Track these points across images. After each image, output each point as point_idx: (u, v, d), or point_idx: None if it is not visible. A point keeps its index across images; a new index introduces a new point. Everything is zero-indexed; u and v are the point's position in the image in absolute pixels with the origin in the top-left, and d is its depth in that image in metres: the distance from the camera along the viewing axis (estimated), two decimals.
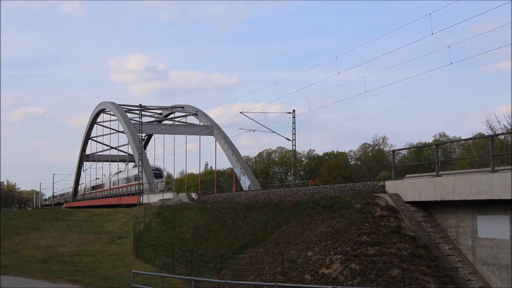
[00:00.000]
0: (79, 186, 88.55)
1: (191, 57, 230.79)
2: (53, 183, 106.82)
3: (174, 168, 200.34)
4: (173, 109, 65.45)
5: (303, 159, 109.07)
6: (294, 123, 47.55)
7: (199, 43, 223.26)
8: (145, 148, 65.61)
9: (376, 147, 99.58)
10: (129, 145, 59.15)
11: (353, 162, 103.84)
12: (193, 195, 38.25)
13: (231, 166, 57.76)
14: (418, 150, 77.95)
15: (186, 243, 25.98)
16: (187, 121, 63.23)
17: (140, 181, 50.73)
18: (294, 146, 48.23)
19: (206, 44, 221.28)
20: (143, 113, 57.23)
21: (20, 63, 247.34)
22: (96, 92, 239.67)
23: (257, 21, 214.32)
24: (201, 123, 60.52)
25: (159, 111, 66.77)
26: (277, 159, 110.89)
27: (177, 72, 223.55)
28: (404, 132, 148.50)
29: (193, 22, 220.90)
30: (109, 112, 65.04)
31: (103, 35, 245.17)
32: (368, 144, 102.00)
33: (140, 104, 55.84)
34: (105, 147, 72.96)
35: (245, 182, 52.25)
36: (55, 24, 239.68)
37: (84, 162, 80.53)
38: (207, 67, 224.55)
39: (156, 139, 70.71)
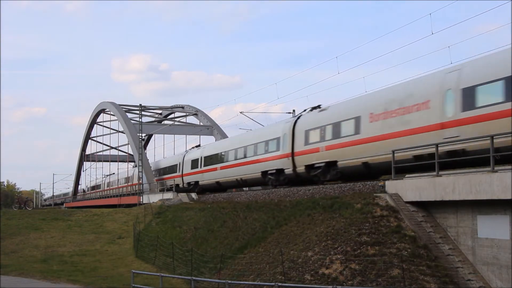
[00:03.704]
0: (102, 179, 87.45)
1: (193, 57, 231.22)
2: (53, 183, 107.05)
3: None
4: (173, 109, 65.45)
5: None
6: None
7: (202, 43, 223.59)
8: (145, 148, 65.54)
9: None
10: (129, 145, 59.15)
11: None
12: (193, 195, 38.21)
13: None
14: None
15: (186, 243, 25.98)
16: (187, 121, 63.28)
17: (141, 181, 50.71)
18: None
19: (208, 44, 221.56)
20: (143, 113, 57.21)
21: (23, 63, 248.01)
22: (98, 92, 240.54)
23: (258, 22, 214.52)
24: (201, 123, 60.51)
25: (159, 111, 66.78)
26: None
27: (179, 72, 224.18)
28: None
29: (195, 23, 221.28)
30: (109, 112, 65.01)
31: (106, 35, 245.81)
32: None
33: (140, 104, 55.83)
34: (105, 147, 72.95)
35: None
36: (58, 24, 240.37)
37: (84, 162, 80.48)
38: (209, 68, 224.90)
39: (156, 139, 70.74)
